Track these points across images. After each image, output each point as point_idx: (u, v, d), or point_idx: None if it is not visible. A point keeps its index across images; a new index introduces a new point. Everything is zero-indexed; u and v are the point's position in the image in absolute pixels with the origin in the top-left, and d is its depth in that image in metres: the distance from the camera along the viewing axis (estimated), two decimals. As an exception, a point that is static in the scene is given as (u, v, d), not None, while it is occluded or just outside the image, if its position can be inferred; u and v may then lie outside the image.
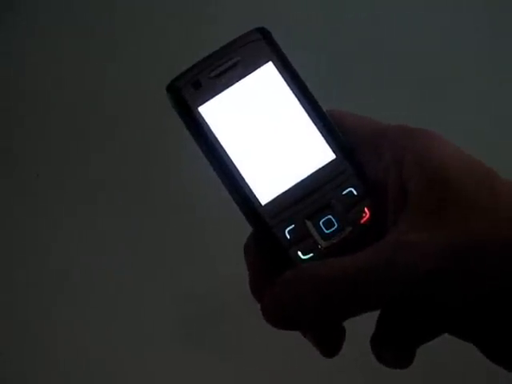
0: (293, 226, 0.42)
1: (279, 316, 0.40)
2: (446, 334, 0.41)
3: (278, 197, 0.42)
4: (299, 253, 0.42)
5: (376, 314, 0.42)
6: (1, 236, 1.11)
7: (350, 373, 1.01)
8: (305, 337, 0.43)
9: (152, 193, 1.12)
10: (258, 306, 0.42)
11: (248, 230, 0.44)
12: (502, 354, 0.40)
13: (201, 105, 0.43)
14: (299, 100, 0.44)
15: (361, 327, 0.47)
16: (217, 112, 0.43)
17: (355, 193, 0.42)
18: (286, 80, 0.44)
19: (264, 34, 0.44)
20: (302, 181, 0.43)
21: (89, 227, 1.11)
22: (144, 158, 1.15)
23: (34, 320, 1.07)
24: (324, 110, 0.44)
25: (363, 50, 1.19)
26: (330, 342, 0.42)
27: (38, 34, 1.22)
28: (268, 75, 0.44)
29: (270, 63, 0.44)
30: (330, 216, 0.42)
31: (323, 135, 0.43)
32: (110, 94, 1.18)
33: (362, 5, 1.23)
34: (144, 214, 1.11)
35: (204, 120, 0.43)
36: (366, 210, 0.42)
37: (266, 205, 0.42)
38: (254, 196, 0.42)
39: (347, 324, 0.43)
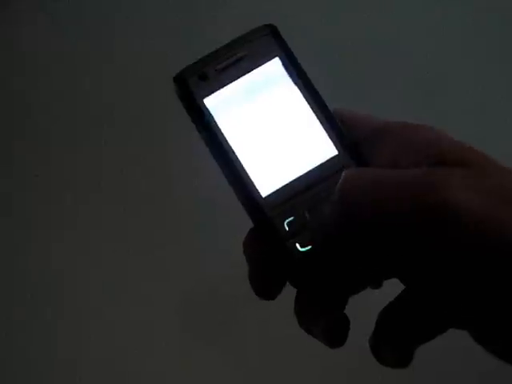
0: (292, 218, 0.42)
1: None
2: (446, 334, 0.41)
3: (278, 189, 0.42)
4: (297, 245, 0.41)
5: (375, 315, 0.42)
6: (1, 236, 1.11)
7: (349, 374, 1.01)
8: (309, 333, 0.42)
9: (152, 192, 1.12)
10: (258, 301, 0.42)
11: (247, 226, 0.44)
12: (501, 345, 0.40)
13: (206, 96, 0.43)
14: (304, 95, 0.44)
15: (360, 329, 0.47)
16: (222, 104, 0.43)
17: None
18: (291, 76, 0.44)
19: (272, 30, 0.45)
20: (304, 175, 0.43)
21: (88, 227, 1.11)
22: (144, 157, 1.15)
23: (33, 320, 1.06)
24: (328, 105, 0.44)
25: (362, 48, 1.20)
26: (335, 331, 0.42)
27: (39, 34, 1.23)
28: (274, 70, 0.44)
29: (277, 59, 0.44)
30: None
31: (326, 130, 0.43)
32: (110, 95, 1.18)
33: (363, 3, 1.24)
34: (143, 213, 1.11)
35: (208, 111, 0.43)
36: None
37: (266, 197, 0.42)
38: (255, 188, 0.42)
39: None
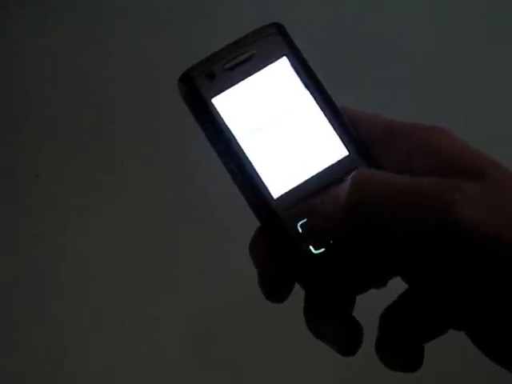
0: (305, 219, 0.41)
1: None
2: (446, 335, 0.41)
3: (290, 191, 0.42)
4: (311, 247, 0.41)
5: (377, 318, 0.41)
6: (0, 235, 1.11)
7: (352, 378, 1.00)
8: (319, 337, 0.42)
9: (156, 196, 1.12)
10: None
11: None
12: (499, 349, 0.40)
13: (214, 96, 0.43)
14: (313, 95, 0.43)
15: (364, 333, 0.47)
16: (230, 104, 0.43)
17: None
18: (299, 75, 0.44)
19: (279, 28, 0.44)
20: (315, 176, 0.42)
21: (88, 228, 1.10)
22: (147, 158, 1.14)
23: (34, 320, 1.06)
24: (338, 105, 0.44)
25: (364, 48, 1.20)
26: (349, 338, 0.42)
27: (38, 34, 1.23)
28: (282, 69, 0.44)
29: (285, 58, 0.44)
30: None
31: (336, 131, 0.43)
32: (110, 94, 1.18)
33: (363, 3, 1.24)
34: (145, 215, 1.11)
35: (217, 111, 0.43)
36: None
37: (277, 198, 0.42)
38: (267, 189, 0.42)
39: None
